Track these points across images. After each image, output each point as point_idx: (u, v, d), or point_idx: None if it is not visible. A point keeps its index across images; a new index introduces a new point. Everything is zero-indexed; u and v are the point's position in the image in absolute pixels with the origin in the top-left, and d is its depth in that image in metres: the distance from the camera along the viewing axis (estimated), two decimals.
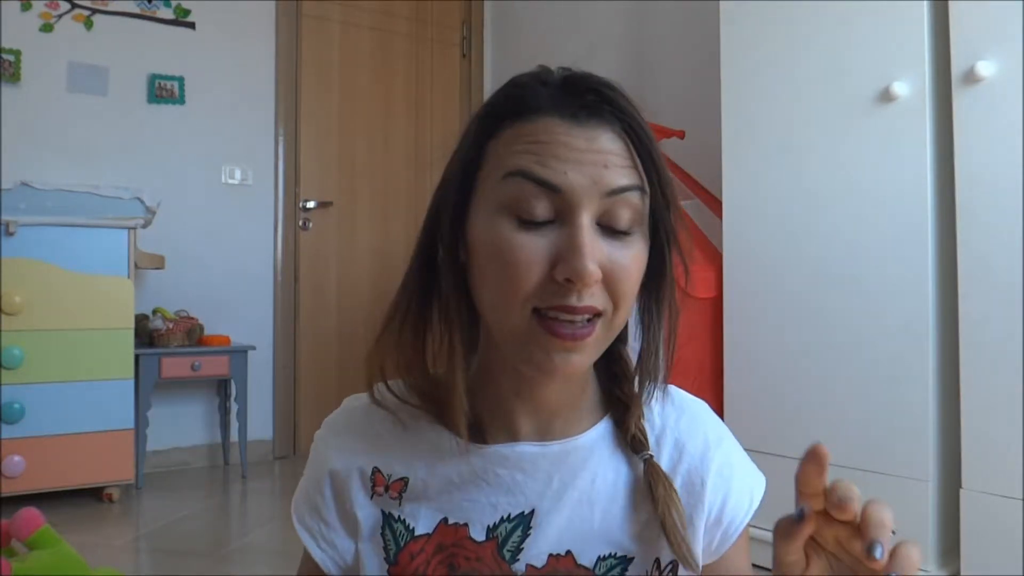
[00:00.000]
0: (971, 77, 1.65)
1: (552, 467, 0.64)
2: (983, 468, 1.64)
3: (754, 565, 0.71)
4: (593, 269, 0.55)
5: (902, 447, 1.75)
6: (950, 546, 1.73)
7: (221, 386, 3.36)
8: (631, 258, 0.58)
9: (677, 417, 0.67)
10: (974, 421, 1.66)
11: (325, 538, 0.68)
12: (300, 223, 3.61)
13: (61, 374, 2.63)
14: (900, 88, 1.76)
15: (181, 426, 3.30)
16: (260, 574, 2.13)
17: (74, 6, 3.15)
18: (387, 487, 0.66)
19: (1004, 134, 1.61)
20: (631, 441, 0.65)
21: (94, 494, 2.75)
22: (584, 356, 0.58)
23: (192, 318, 3.13)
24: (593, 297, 0.56)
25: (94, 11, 3.18)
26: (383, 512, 0.65)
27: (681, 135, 2.58)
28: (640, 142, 0.58)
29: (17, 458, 2.53)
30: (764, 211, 2.06)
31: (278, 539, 2.44)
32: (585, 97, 0.58)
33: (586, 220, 0.56)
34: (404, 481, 0.66)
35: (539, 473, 0.63)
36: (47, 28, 3.10)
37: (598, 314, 0.57)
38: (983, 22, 1.65)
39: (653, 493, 0.62)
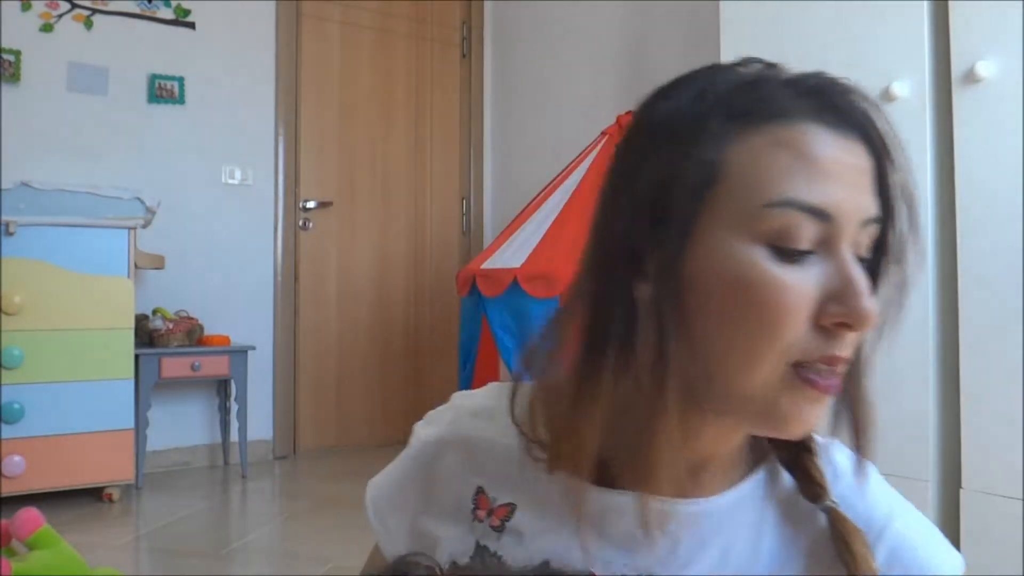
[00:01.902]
0: (971, 77, 1.65)
1: (680, 529, 0.53)
2: (983, 468, 1.63)
3: None
4: (875, 309, 0.47)
5: (902, 447, 1.75)
6: None
7: (221, 386, 3.36)
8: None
9: (833, 479, 0.55)
10: (974, 421, 1.65)
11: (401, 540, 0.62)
12: (300, 223, 3.61)
13: (61, 374, 2.63)
14: (900, 88, 1.76)
15: (181, 426, 3.30)
16: (260, 574, 2.13)
17: (74, 6, 3.15)
18: (491, 512, 0.57)
19: (1004, 134, 1.61)
20: (806, 487, 0.55)
21: (94, 494, 2.75)
22: (824, 409, 0.50)
23: (192, 318, 3.13)
24: (851, 346, 0.49)
25: (94, 11, 3.18)
26: (477, 543, 0.57)
27: None
28: (893, 164, 0.51)
29: (17, 458, 2.53)
30: None
31: (278, 539, 2.44)
32: (841, 102, 0.50)
33: (849, 252, 0.48)
34: (511, 508, 0.57)
35: (666, 535, 0.53)
36: (47, 28, 3.10)
37: None
38: (983, 22, 1.65)
39: (849, 549, 0.51)
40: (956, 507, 1.68)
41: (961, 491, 1.67)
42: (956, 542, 1.68)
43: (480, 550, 0.57)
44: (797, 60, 1.79)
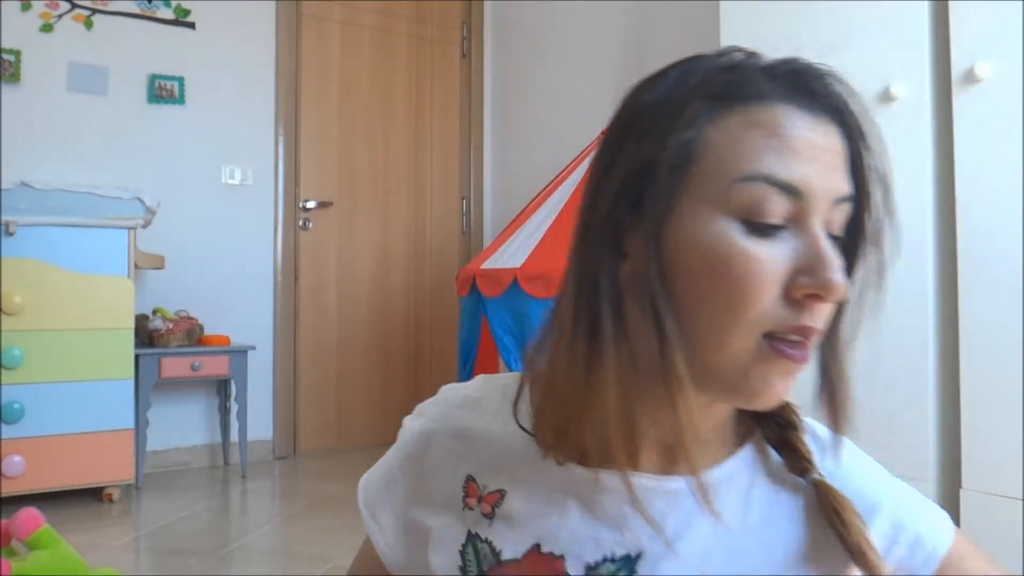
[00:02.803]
0: (971, 77, 1.65)
1: (668, 507, 0.55)
2: (983, 468, 1.64)
3: None
4: (843, 282, 0.49)
5: (902, 447, 1.75)
6: None
7: (221, 386, 3.36)
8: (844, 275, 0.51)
9: (820, 455, 0.57)
10: (974, 421, 1.66)
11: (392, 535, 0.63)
12: (300, 223, 3.61)
13: (61, 374, 2.63)
14: (900, 88, 1.76)
15: (181, 426, 3.30)
16: (260, 574, 2.13)
17: (74, 6, 3.15)
18: (480, 499, 0.58)
19: (1004, 134, 1.61)
20: (792, 462, 0.56)
21: (94, 494, 2.75)
22: (794, 381, 0.52)
23: (192, 318, 3.13)
24: (821, 318, 0.51)
25: (94, 11, 3.18)
26: (468, 532, 0.58)
27: None
28: (866, 145, 0.53)
29: (17, 458, 2.53)
30: None
31: (278, 539, 2.44)
32: (814, 84, 0.52)
33: (819, 228, 0.50)
34: (501, 494, 0.58)
35: (652, 512, 0.54)
36: (47, 28, 3.10)
37: None
38: (983, 22, 1.65)
39: (839, 518, 0.53)
40: (956, 507, 1.68)
41: (961, 491, 1.67)
42: None
43: (471, 538, 0.58)
44: None
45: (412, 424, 0.65)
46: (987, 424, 1.63)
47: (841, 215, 0.52)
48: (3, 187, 2.63)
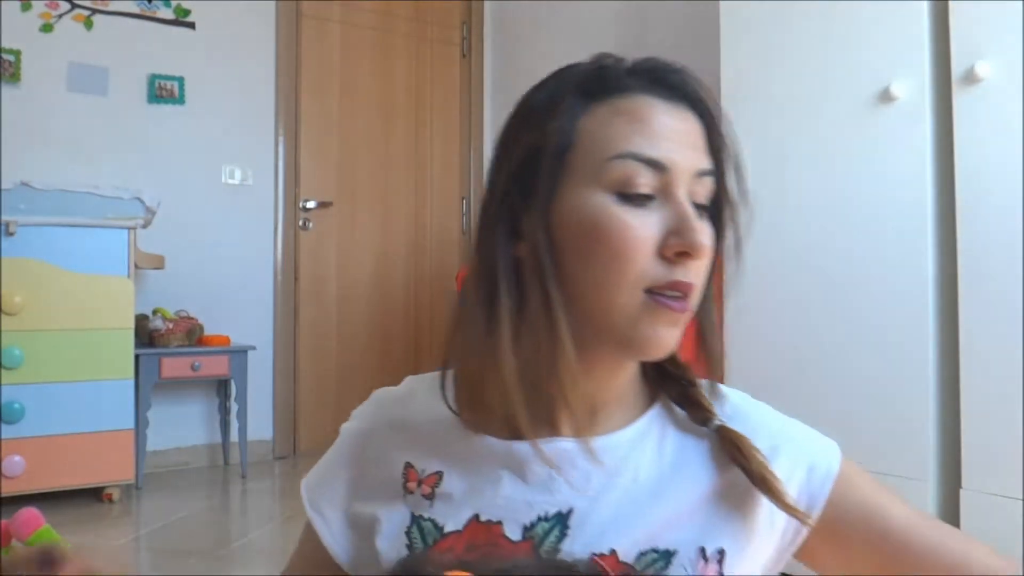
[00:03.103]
0: (971, 77, 1.65)
1: (589, 465, 0.61)
2: (983, 468, 1.63)
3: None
4: (706, 242, 0.57)
5: (902, 447, 1.75)
6: None
7: (221, 386, 3.36)
8: (710, 238, 0.59)
9: (731, 418, 0.64)
10: (974, 421, 1.65)
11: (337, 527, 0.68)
12: (300, 223, 3.61)
13: (61, 374, 2.63)
14: (900, 88, 1.76)
15: (181, 426, 3.30)
16: (260, 574, 2.13)
17: (74, 6, 3.15)
18: (420, 482, 0.64)
19: (1004, 134, 1.61)
20: (695, 414, 0.64)
21: (94, 494, 2.75)
22: (680, 332, 0.59)
23: (192, 318, 3.13)
24: (694, 274, 0.58)
25: (94, 11, 3.19)
26: (412, 514, 0.63)
27: None
28: (717, 128, 0.61)
29: (17, 458, 2.53)
30: (762, 212, 2.05)
31: (278, 539, 2.44)
32: (671, 78, 0.60)
33: (684, 197, 0.58)
34: (439, 475, 0.63)
35: (576, 471, 0.61)
36: (47, 28, 3.10)
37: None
38: (983, 22, 1.65)
39: (741, 453, 0.60)
40: (956, 507, 1.68)
41: (961, 491, 1.67)
42: None
43: (415, 519, 0.62)
44: (797, 60, 1.80)
45: (350, 427, 0.71)
46: (987, 424, 1.63)
47: (704, 188, 0.59)
48: (3, 187, 2.63)
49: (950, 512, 1.72)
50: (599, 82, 0.60)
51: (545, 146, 0.58)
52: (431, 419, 0.66)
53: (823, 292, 1.92)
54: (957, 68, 1.68)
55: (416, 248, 3.91)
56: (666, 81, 0.60)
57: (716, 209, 0.62)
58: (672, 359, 0.65)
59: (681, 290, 0.57)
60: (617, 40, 3.31)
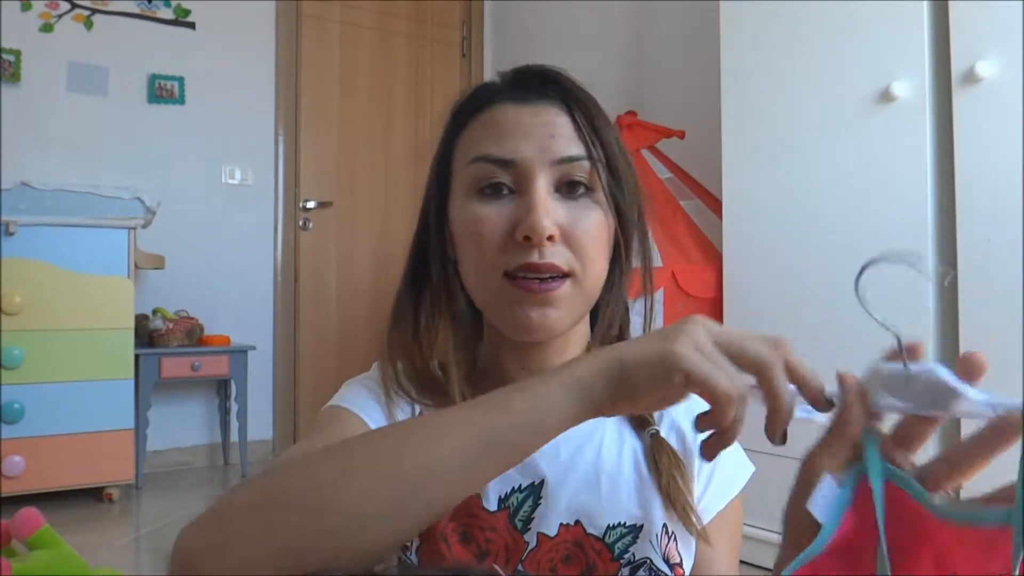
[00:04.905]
0: (971, 77, 1.65)
1: (559, 439, 0.62)
2: (982, 468, 1.63)
3: (747, 563, 0.71)
4: (547, 224, 0.60)
5: None
6: None
7: (221, 386, 3.36)
8: (591, 220, 0.63)
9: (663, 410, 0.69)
10: (974, 421, 1.65)
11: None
12: (300, 223, 3.61)
13: (61, 374, 2.63)
14: (900, 88, 1.76)
15: (181, 426, 3.30)
16: None
17: (74, 6, 3.15)
18: None
19: (1004, 134, 1.61)
20: (635, 420, 0.68)
21: (94, 494, 2.75)
22: (560, 312, 0.63)
23: (192, 318, 3.13)
24: (556, 256, 0.62)
25: (94, 11, 3.19)
26: None
27: (681, 135, 2.58)
28: (583, 116, 0.65)
29: (17, 458, 2.53)
30: (764, 211, 2.06)
31: None
32: (531, 80, 0.66)
33: (542, 186, 0.62)
34: None
35: (547, 446, 0.62)
36: (47, 28, 3.10)
37: (566, 274, 0.62)
38: (983, 22, 1.65)
39: (657, 464, 0.65)
40: None
41: (961, 492, 1.67)
42: None
43: None
44: (797, 60, 1.80)
45: (371, 374, 0.75)
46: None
47: (580, 174, 0.64)
48: (3, 187, 2.63)
49: None
50: (471, 102, 0.68)
51: (440, 167, 0.69)
52: (394, 406, 0.70)
53: (823, 292, 1.92)
54: (957, 68, 1.68)
55: None
56: (525, 84, 0.66)
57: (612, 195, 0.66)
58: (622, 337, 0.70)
59: (537, 271, 0.61)
60: (617, 40, 3.31)
